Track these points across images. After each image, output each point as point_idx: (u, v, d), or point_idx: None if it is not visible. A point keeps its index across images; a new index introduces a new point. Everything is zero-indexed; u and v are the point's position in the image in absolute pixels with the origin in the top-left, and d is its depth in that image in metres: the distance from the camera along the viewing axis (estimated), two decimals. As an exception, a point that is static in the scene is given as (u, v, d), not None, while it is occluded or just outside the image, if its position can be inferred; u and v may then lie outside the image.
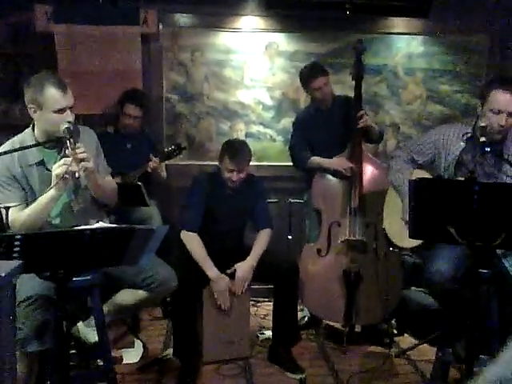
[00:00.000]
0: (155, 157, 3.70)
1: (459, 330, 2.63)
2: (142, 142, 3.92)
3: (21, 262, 1.60)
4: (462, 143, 2.86)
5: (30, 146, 2.44)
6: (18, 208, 2.38)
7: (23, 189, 2.49)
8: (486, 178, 2.80)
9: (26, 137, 2.53)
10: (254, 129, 4.51)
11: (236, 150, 3.17)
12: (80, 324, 2.54)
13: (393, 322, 3.73)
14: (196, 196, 3.23)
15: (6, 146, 2.49)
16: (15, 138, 2.55)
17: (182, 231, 3.19)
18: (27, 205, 2.43)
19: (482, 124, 2.63)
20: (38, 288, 2.28)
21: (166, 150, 3.84)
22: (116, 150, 3.54)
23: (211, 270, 3.10)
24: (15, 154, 2.45)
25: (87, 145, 2.55)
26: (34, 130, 2.53)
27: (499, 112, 2.64)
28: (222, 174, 3.18)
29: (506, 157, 2.74)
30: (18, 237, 1.82)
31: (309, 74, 3.61)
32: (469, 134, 2.86)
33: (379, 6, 4.08)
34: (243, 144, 3.29)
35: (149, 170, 3.66)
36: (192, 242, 3.16)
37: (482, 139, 2.49)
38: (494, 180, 2.79)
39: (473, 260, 2.25)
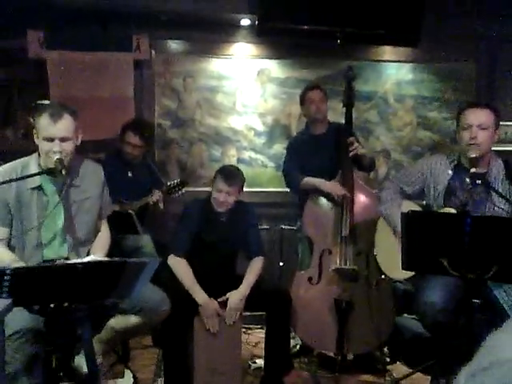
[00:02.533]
0: (156, 189, 3.71)
1: (453, 359, 2.62)
2: (143, 172, 3.92)
3: (10, 300, 1.58)
4: (450, 171, 2.91)
5: (30, 176, 2.47)
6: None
7: (10, 214, 2.48)
8: (475, 206, 2.82)
9: (29, 161, 2.57)
10: (246, 155, 4.53)
11: (229, 171, 3.20)
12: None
13: (385, 349, 3.71)
14: (186, 222, 3.22)
15: (9, 168, 2.53)
16: (19, 160, 2.59)
17: (170, 256, 3.17)
18: (24, 230, 2.47)
19: (472, 155, 2.66)
20: (28, 321, 2.25)
21: (169, 183, 3.84)
22: (117, 177, 3.54)
23: (199, 295, 3.07)
24: (13, 176, 2.47)
25: (91, 181, 2.56)
26: (39, 155, 2.55)
27: (469, 126, 2.76)
28: (212, 197, 3.18)
29: (491, 184, 2.77)
30: (8, 271, 1.80)
31: (307, 87, 3.76)
32: (455, 162, 2.92)
33: (369, 35, 4.13)
34: (237, 168, 3.33)
35: (151, 202, 3.67)
36: (179, 266, 3.14)
37: (473, 170, 2.52)
38: (482, 207, 2.81)
39: (465, 290, 2.25)
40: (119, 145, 3.88)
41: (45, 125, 2.42)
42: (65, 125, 2.44)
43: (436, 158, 3.05)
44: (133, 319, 2.58)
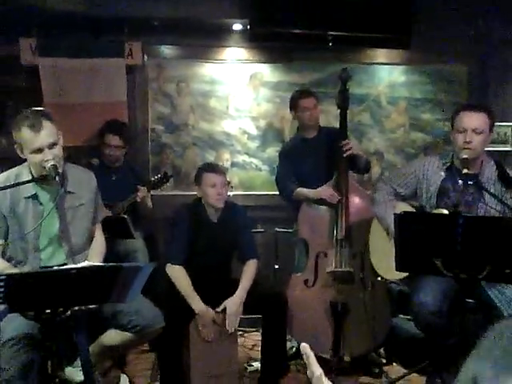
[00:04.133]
0: (142, 186, 3.70)
1: (448, 359, 2.63)
2: (126, 173, 3.91)
3: (5, 306, 1.58)
4: (443, 173, 2.93)
5: (23, 183, 2.46)
6: None
7: (6, 224, 2.48)
8: (467, 207, 2.84)
9: (22, 170, 2.55)
10: (240, 158, 4.54)
11: (212, 164, 3.27)
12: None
13: (381, 350, 3.72)
14: (179, 228, 3.21)
15: (1, 178, 2.52)
16: (12, 169, 2.57)
17: (168, 265, 3.16)
18: (20, 239, 2.47)
19: (464, 156, 2.68)
20: (23, 327, 2.24)
21: (152, 179, 3.84)
22: (101, 181, 3.53)
23: (197, 304, 3.07)
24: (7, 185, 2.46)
25: (84, 187, 2.56)
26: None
27: (464, 130, 2.76)
28: (206, 197, 3.18)
29: (484, 184, 2.79)
30: (2, 277, 1.80)
31: (299, 95, 3.71)
32: (448, 164, 2.93)
33: (361, 38, 4.15)
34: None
35: (138, 199, 3.65)
36: (178, 275, 3.14)
37: (465, 171, 2.53)
38: (475, 208, 2.83)
39: (458, 290, 2.27)
40: (100, 148, 3.87)
41: (28, 138, 2.38)
42: (48, 132, 2.41)
43: (429, 160, 3.06)
44: (127, 335, 2.56)
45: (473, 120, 2.77)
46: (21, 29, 3.93)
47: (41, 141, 2.40)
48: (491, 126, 2.83)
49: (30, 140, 2.39)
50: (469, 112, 2.80)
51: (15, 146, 2.46)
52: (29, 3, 3.60)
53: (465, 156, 2.73)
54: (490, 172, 2.85)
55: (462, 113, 2.82)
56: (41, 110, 2.53)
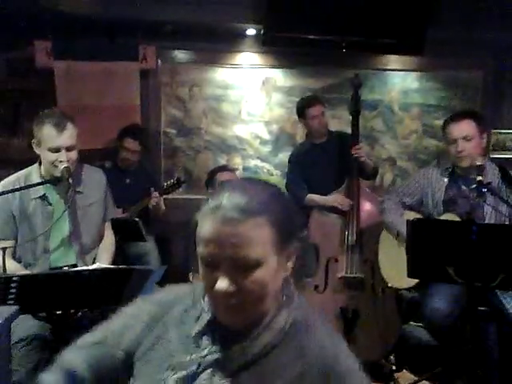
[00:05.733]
0: (154, 191, 3.71)
1: (460, 366, 2.61)
2: (140, 177, 3.93)
3: (17, 307, 1.59)
4: (446, 179, 2.96)
5: (34, 185, 2.47)
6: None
7: (15, 225, 2.50)
8: (472, 210, 2.84)
9: (31, 171, 2.57)
10: (252, 163, 4.54)
11: (221, 166, 3.43)
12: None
13: (392, 357, 3.69)
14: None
15: (12, 179, 2.54)
16: (21, 171, 2.59)
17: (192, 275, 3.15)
18: (30, 240, 2.48)
19: (478, 163, 2.67)
20: (34, 328, 2.25)
21: (165, 184, 3.85)
22: (115, 184, 3.55)
23: None
24: (17, 186, 2.48)
25: (94, 187, 2.57)
26: (40, 164, 2.55)
27: (454, 141, 2.82)
28: None
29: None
30: (15, 278, 1.82)
31: (306, 103, 3.70)
32: (450, 169, 2.96)
33: (374, 44, 4.14)
34: None
35: (150, 206, 3.66)
36: None
37: (479, 178, 2.53)
38: (480, 211, 2.83)
39: (471, 298, 2.25)
40: (117, 151, 3.89)
41: (50, 135, 2.41)
42: (70, 134, 2.45)
43: (431, 169, 3.11)
44: None
45: (460, 128, 2.82)
46: (36, 32, 3.96)
47: (62, 141, 2.43)
48: (482, 129, 2.86)
49: (52, 138, 2.42)
50: (456, 122, 2.86)
51: (33, 141, 2.49)
52: (44, 7, 3.62)
53: (478, 163, 2.72)
54: (493, 176, 2.86)
55: (450, 124, 2.88)
56: (67, 114, 2.56)
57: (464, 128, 2.81)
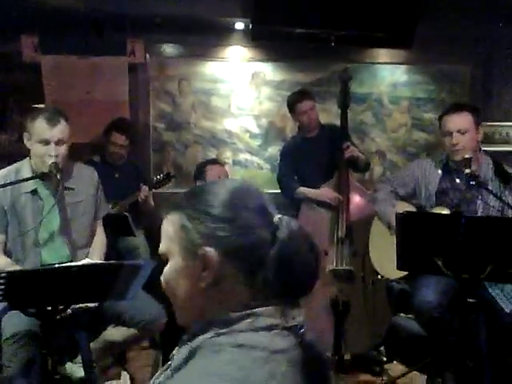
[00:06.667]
0: (144, 185, 3.70)
1: (449, 357, 2.63)
2: (129, 171, 3.91)
3: (6, 304, 1.58)
4: (439, 171, 2.95)
5: (24, 180, 2.47)
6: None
7: (6, 219, 2.49)
8: (466, 204, 2.85)
9: (22, 165, 2.56)
10: (241, 157, 4.54)
11: (209, 159, 3.44)
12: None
13: (382, 349, 3.72)
14: None
15: (2, 173, 2.53)
16: (12, 166, 2.58)
17: None
18: (21, 234, 2.47)
19: (467, 156, 2.68)
20: (24, 324, 2.25)
21: (155, 178, 3.84)
22: (104, 179, 3.54)
23: None
24: (8, 181, 2.47)
25: (85, 183, 2.56)
26: (31, 159, 2.54)
27: (449, 133, 2.80)
28: None
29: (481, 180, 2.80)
30: (3, 274, 1.81)
31: (296, 98, 3.69)
32: (444, 162, 2.96)
33: (363, 37, 4.15)
34: None
35: (139, 199, 3.65)
36: None
37: (467, 171, 2.53)
38: (473, 206, 2.84)
39: (460, 289, 2.27)
40: (104, 145, 3.87)
41: (41, 128, 2.42)
42: (61, 129, 2.46)
43: (426, 160, 3.12)
44: (129, 331, 2.57)
45: (456, 121, 2.80)
46: (23, 26, 3.93)
47: (52, 133, 2.43)
48: (477, 122, 2.85)
49: (43, 130, 2.43)
50: (451, 114, 2.84)
51: (24, 134, 2.50)
52: (32, 1, 3.59)
53: (466, 156, 2.73)
54: (487, 169, 2.87)
55: (446, 116, 2.86)
56: (61, 110, 2.58)
57: (459, 121, 2.80)
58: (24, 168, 2.54)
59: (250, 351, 0.87)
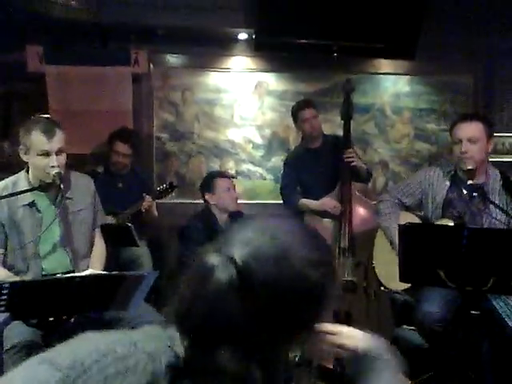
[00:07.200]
0: (147, 195, 3.70)
1: (452, 370, 2.61)
2: (132, 181, 3.92)
3: (8, 314, 1.58)
4: (447, 182, 2.91)
5: (23, 192, 2.45)
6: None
7: (4, 232, 2.48)
8: (472, 217, 2.82)
9: (19, 178, 2.54)
10: (244, 167, 4.54)
11: (217, 172, 3.41)
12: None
13: (384, 361, 3.69)
14: (194, 241, 3.18)
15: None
16: (8, 178, 2.56)
17: None
18: (20, 247, 2.46)
19: (469, 167, 2.67)
20: (26, 334, 2.23)
21: (158, 188, 3.84)
22: (107, 189, 3.54)
23: None
24: (5, 193, 2.45)
25: (82, 192, 2.56)
26: (28, 171, 2.54)
27: (459, 141, 2.76)
28: (221, 202, 3.23)
29: (489, 196, 2.77)
30: (6, 285, 1.80)
31: (298, 106, 3.73)
32: (452, 172, 2.92)
33: (366, 48, 4.16)
34: None
35: (142, 209, 3.65)
36: None
37: (469, 182, 2.52)
38: (479, 219, 2.81)
39: (463, 302, 2.25)
40: (108, 155, 3.88)
41: (39, 141, 2.39)
42: (59, 139, 2.43)
43: (433, 170, 3.03)
44: None
45: (467, 130, 2.76)
46: (28, 36, 3.96)
47: (51, 145, 2.41)
48: (489, 134, 2.80)
49: (41, 143, 2.40)
50: (464, 123, 2.80)
51: (20, 148, 2.46)
52: (36, 11, 3.62)
53: (469, 167, 2.72)
54: (494, 182, 2.83)
55: (457, 124, 2.82)
56: (54, 120, 2.56)
57: (471, 130, 2.75)
58: (21, 181, 2.52)
59: None
